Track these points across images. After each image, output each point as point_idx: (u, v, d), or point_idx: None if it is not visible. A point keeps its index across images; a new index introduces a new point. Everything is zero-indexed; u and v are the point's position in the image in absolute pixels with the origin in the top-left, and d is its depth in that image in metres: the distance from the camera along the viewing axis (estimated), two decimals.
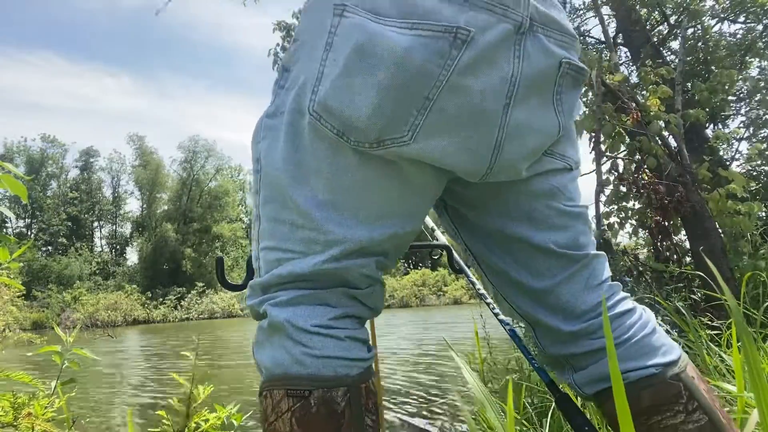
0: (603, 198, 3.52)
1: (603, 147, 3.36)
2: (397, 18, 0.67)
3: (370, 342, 0.80)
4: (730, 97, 4.93)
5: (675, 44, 5.23)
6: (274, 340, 0.72)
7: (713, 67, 4.63)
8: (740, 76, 4.84)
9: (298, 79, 0.73)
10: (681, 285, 2.97)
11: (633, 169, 3.36)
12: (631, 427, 0.33)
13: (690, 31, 4.92)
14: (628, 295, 0.87)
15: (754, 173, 5.08)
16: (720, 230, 3.24)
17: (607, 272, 0.87)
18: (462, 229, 0.91)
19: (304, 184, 0.72)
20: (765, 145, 5.03)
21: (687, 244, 3.38)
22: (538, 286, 0.84)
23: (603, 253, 0.87)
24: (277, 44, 6.29)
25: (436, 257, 1.49)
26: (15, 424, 1.38)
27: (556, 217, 0.83)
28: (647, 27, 5.06)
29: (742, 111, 5.47)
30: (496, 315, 1.08)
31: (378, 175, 0.72)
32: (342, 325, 0.74)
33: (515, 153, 0.74)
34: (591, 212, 3.48)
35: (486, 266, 0.90)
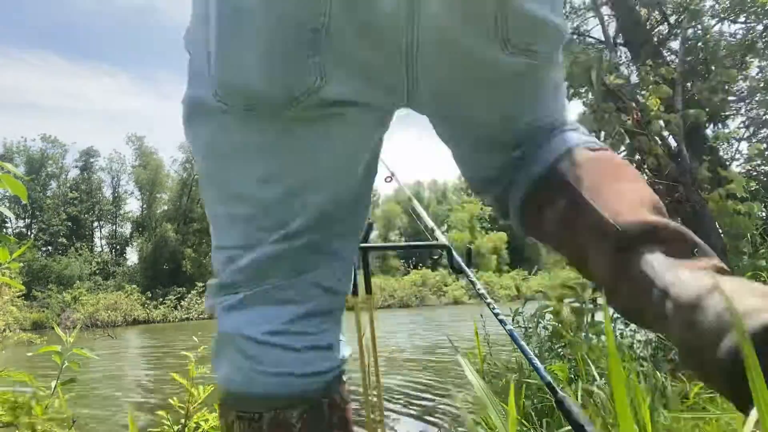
0: None
1: None
2: None
3: (342, 339, 0.72)
4: (730, 97, 4.93)
5: (675, 44, 5.23)
6: (226, 353, 0.65)
7: (713, 67, 4.63)
8: (740, 76, 4.84)
9: (193, 65, 0.65)
10: None
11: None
12: (631, 424, 0.33)
13: (690, 31, 4.92)
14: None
15: (754, 173, 5.08)
16: (720, 230, 3.24)
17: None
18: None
19: (235, 171, 0.64)
20: (765, 145, 5.03)
21: None
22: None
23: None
24: None
25: (435, 257, 1.49)
26: (15, 423, 1.37)
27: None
28: (647, 27, 5.06)
29: (742, 111, 5.47)
30: (496, 315, 1.08)
31: (306, 136, 0.62)
32: (300, 329, 0.65)
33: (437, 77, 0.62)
34: None
35: None
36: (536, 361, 0.96)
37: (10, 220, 35.75)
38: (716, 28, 5.28)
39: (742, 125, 5.40)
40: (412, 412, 4.98)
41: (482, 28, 0.60)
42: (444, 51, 0.61)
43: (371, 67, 0.60)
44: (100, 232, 43.52)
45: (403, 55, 0.60)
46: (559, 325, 2.71)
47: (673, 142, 3.53)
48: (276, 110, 0.60)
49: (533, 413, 1.89)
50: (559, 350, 2.78)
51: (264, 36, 0.57)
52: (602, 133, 3.31)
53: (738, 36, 5.30)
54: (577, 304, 2.67)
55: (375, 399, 1.44)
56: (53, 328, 1.88)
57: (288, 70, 0.58)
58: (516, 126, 0.72)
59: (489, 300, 1.08)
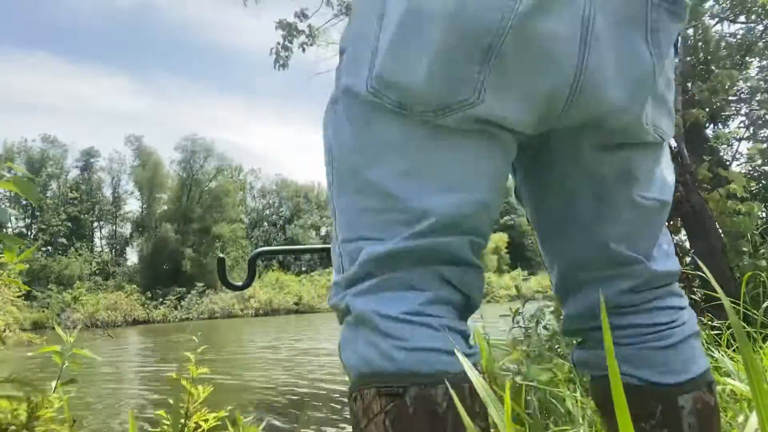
0: None
1: None
2: None
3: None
4: (730, 97, 4.93)
5: None
6: (360, 335, 0.64)
7: (713, 67, 4.63)
8: (740, 76, 4.83)
9: (353, 58, 0.68)
10: (681, 285, 2.96)
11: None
12: (630, 424, 0.33)
13: (690, 31, 4.91)
14: (682, 306, 0.80)
15: (755, 173, 5.08)
16: (720, 230, 3.24)
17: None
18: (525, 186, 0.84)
19: (376, 163, 0.66)
20: (765, 145, 5.03)
21: (687, 244, 3.38)
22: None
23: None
24: (278, 43, 6.26)
25: None
26: (30, 426, 1.37)
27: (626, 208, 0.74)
28: None
29: (742, 111, 5.47)
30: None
31: (452, 142, 0.65)
32: (435, 312, 0.64)
33: (599, 96, 0.64)
34: None
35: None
36: None
37: (10, 220, 35.72)
38: (716, 28, 5.28)
39: (742, 125, 5.40)
40: None
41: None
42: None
43: (532, 93, 0.63)
44: (100, 232, 43.56)
45: (568, 83, 0.62)
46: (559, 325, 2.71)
47: (673, 142, 3.53)
48: (425, 113, 0.63)
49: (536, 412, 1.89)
50: (559, 350, 2.78)
51: (440, 43, 0.60)
52: None
53: (738, 36, 5.30)
54: None
55: None
56: (53, 328, 1.88)
57: (452, 79, 0.61)
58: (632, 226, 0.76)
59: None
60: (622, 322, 0.76)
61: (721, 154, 4.97)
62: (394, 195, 0.65)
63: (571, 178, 0.74)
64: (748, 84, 5.02)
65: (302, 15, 6.22)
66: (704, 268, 0.47)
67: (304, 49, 6.44)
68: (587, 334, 0.82)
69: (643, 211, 0.75)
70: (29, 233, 37.77)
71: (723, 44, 4.96)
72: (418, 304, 0.64)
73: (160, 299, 32.25)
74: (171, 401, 1.81)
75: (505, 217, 49.52)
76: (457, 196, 0.65)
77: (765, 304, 1.81)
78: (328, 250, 1.72)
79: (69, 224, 39.22)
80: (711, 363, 1.66)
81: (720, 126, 5.37)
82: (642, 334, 0.75)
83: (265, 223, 50.23)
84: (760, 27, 5.27)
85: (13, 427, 1.36)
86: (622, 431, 0.30)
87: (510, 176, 0.81)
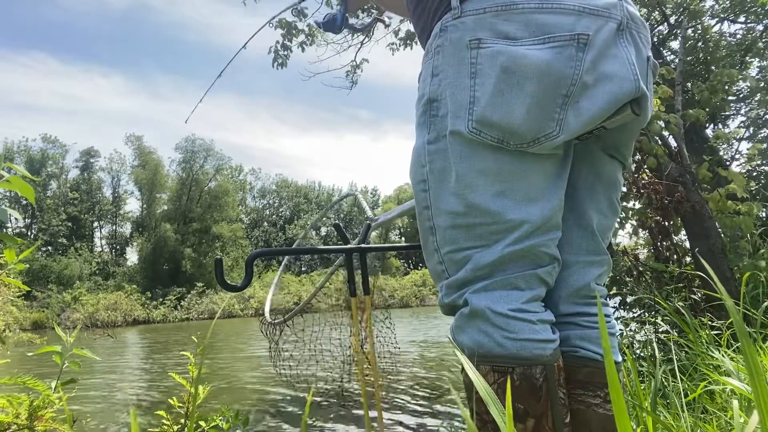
0: None
1: None
2: (529, 38, 0.81)
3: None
4: (730, 97, 4.93)
5: (675, 44, 5.23)
6: (474, 324, 0.83)
7: (713, 67, 4.62)
8: (740, 76, 4.83)
9: (449, 106, 0.86)
10: (681, 285, 2.96)
11: (633, 169, 3.36)
12: (625, 411, 0.33)
13: (690, 31, 4.91)
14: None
15: (754, 173, 5.08)
16: (720, 230, 3.23)
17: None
18: None
19: (474, 188, 0.84)
20: (765, 145, 5.03)
21: (687, 244, 3.38)
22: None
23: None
24: (277, 42, 6.26)
25: None
26: (31, 426, 1.37)
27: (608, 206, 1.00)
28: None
29: (742, 111, 5.46)
30: None
31: (534, 164, 0.85)
32: (532, 309, 0.84)
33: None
34: None
35: None
36: None
37: (11, 221, 35.66)
38: (716, 28, 5.28)
39: (742, 125, 5.40)
40: (412, 410, 4.98)
41: None
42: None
43: (592, 117, 0.82)
44: (100, 232, 43.54)
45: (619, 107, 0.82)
46: None
47: (673, 142, 3.53)
48: (520, 145, 0.83)
49: None
50: None
51: (535, 94, 0.80)
52: None
53: (738, 36, 5.30)
54: None
55: (374, 390, 1.44)
56: (53, 328, 1.88)
57: (542, 119, 0.81)
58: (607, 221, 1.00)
59: None
60: (593, 310, 0.97)
61: (721, 154, 4.97)
62: (493, 211, 0.83)
63: (581, 171, 0.97)
64: (748, 84, 5.02)
65: (301, 14, 6.21)
66: (707, 268, 0.47)
67: (303, 49, 6.44)
68: (570, 317, 0.97)
69: (614, 212, 1.00)
70: (29, 233, 37.76)
71: (723, 44, 4.95)
72: (521, 302, 0.83)
73: (160, 299, 32.22)
74: (171, 401, 1.81)
75: None
76: (542, 204, 0.85)
77: (765, 304, 1.81)
78: (328, 250, 1.71)
79: (69, 224, 39.20)
80: (711, 363, 1.66)
81: (720, 126, 5.37)
82: (606, 321, 0.92)
83: (265, 223, 50.22)
84: (760, 27, 5.26)
85: (14, 427, 1.36)
86: (615, 406, 0.31)
87: None
